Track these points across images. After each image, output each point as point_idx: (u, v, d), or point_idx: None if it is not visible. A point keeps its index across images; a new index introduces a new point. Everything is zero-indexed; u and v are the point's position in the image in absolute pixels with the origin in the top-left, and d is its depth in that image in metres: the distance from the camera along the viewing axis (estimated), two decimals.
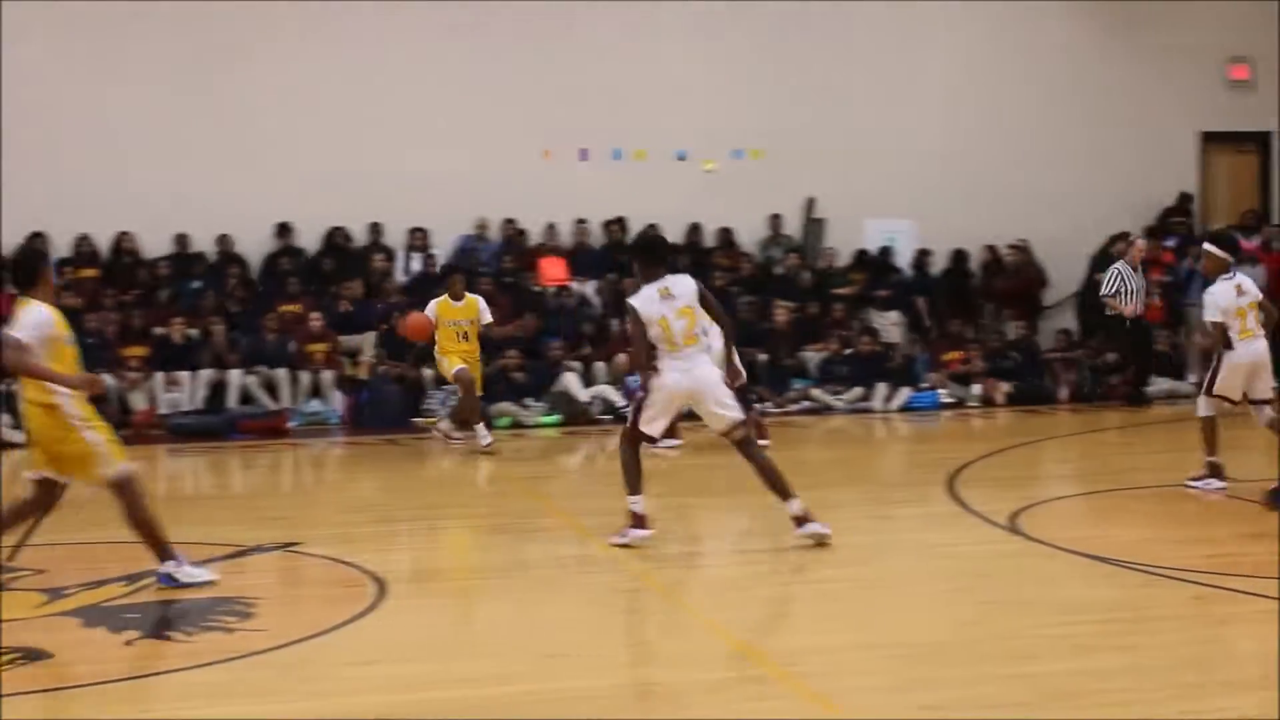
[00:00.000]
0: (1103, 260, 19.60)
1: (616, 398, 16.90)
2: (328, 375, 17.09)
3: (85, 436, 8.01)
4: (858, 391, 17.80)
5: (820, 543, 9.11)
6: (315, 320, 17.28)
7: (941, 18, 20.64)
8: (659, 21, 19.77)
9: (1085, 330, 19.40)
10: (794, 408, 17.53)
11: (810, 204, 20.24)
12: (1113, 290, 17.46)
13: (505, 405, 16.58)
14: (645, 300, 9.25)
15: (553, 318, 18.23)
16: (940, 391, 17.99)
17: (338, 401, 16.93)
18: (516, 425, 16.43)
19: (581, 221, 19.63)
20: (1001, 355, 18.66)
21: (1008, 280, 19.89)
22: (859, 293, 19.48)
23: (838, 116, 20.13)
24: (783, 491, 9.22)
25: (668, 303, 9.20)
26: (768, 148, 19.94)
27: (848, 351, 18.31)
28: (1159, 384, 18.43)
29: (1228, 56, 21.46)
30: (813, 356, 18.21)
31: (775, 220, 20.14)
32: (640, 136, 19.74)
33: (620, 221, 19.55)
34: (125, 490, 8.17)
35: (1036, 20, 20.91)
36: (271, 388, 16.97)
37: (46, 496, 8.26)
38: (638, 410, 9.43)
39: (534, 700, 6.22)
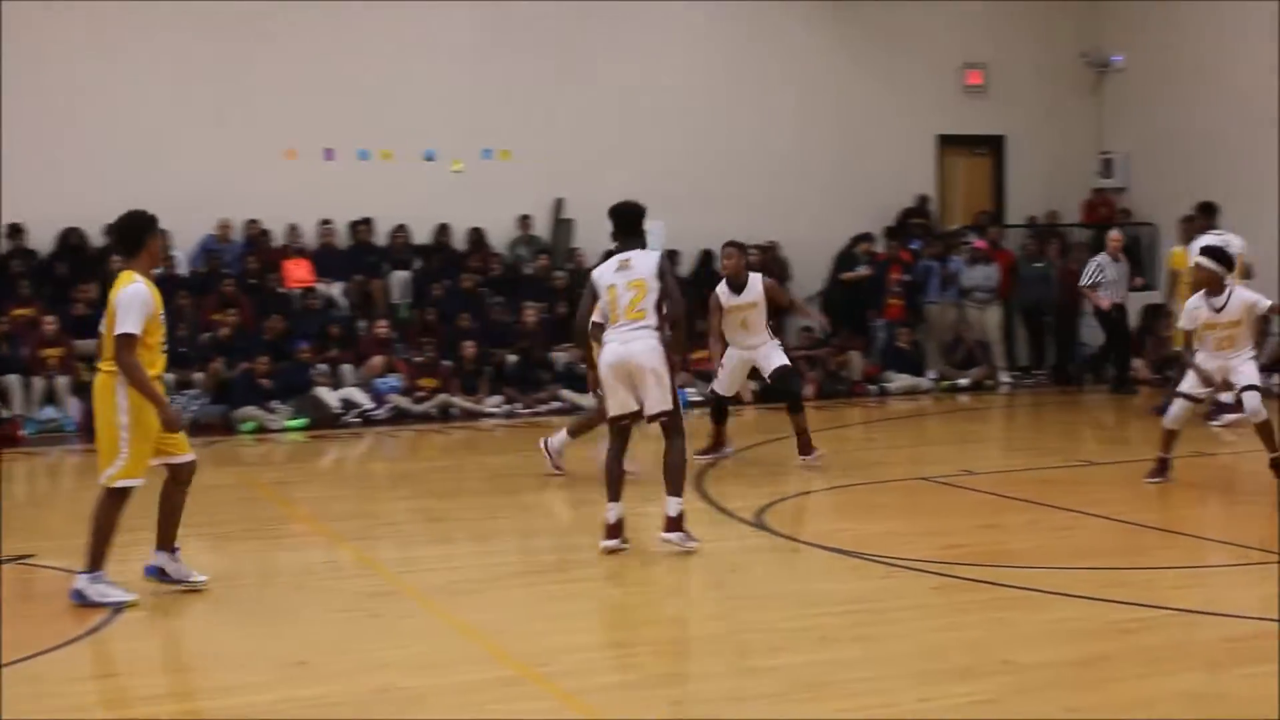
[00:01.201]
0: (847, 261, 20.18)
1: (365, 401, 16.72)
2: (63, 381, 16.50)
3: (121, 434, 7.86)
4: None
5: (686, 551, 9.06)
6: (49, 324, 16.69)
7: (689, 22, 20.94)
8: (406, 21, 19.57)
9: (832, 328, 19.84)
10: (543, 408, 17.54)
11: (558, 205, 20.29)
12: (1092, 281, 17.96)
13: (250, 410, 16.25)
14: (603, 269, 9.33)
15: (299, 320, 17.93)
16: (689, 390, 18.22)
17: (73, 408, 16.35)
18: (261, 430, 16.11)
19: (326, 222, 19.33)
20: None
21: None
22: None
23: (586, 117, 20.25)
24: (673, 489, 9.10)
25: (623, 273, 9.16)
26: (516, 148, 19.93)
27: None
28: (899, 379, 19.00)
29: (963, 63, 22.27)
30: (562, 357, 18.26)
31: (524, 221, 20.14)
32: (387, 137, 19.53)
33: (367, 222, 19.32)
34: (112, 500, 7.98)
35: (782, 26, 21.37)
36: (3, 395, 16.32)
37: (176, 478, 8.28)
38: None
39: (273, 709, 6.10)
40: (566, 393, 17.72)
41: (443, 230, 19.63)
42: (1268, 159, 19.74)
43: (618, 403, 9.19)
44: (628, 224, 9.45)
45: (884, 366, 19.35)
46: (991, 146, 22.88)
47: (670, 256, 19.84)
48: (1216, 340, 11.09)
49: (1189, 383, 11.30)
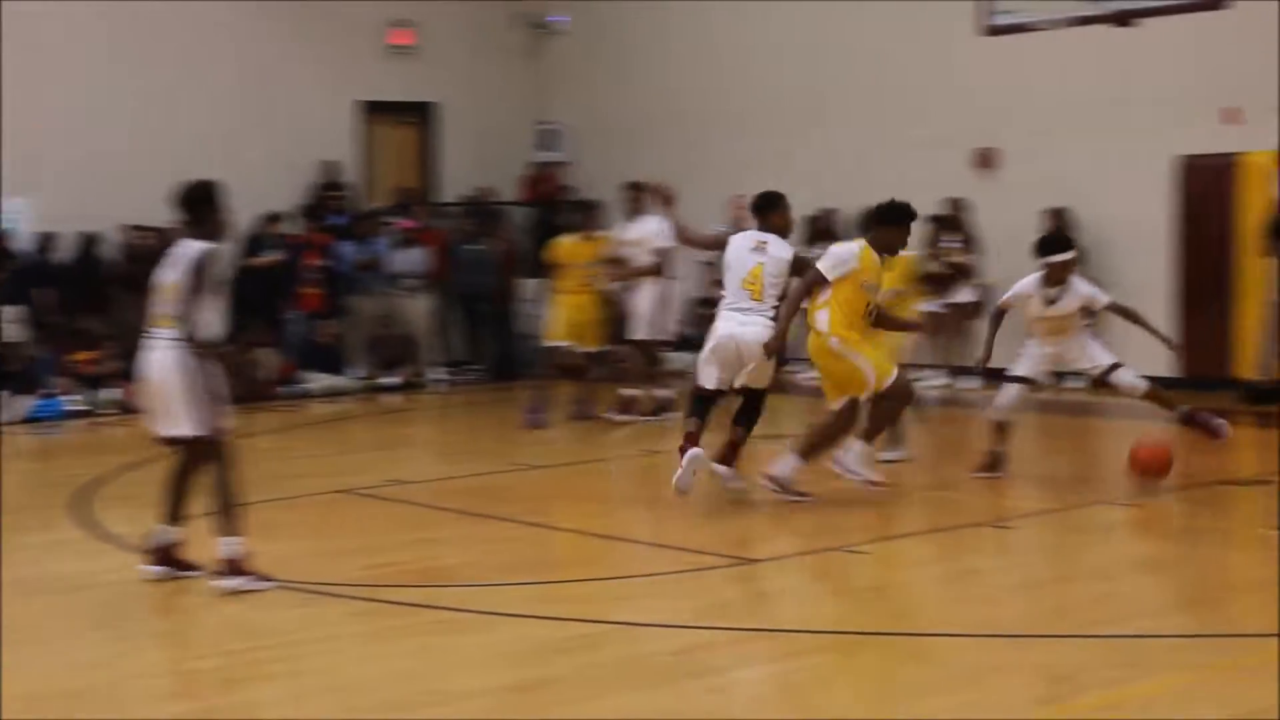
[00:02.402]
0: (254, 245, 19.82)
1: None
2: None
3: None
4: None
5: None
6: None
7: None
8: None
9: (238, 324, 19.47)
10: None
11: None
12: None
13: None
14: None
15: None
16: (67, 398, 17.57)
17: None
18: None
19: None
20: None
21: (143, 268, 19.51)
22: None
23: None
24: None
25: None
26: None
27: None
28: (319, 379, 18.92)
29: (386, 20, 22.33)
30: None
31: None
32: None
33: None
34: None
35: None
36: None
37: None
38: None
39: None
40: None
41: None
42: (728, 129, 20.90)
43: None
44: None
45: (301, 365, 19.20)
46: (420, 115, 23.08)
47: (45, 240, 19.22)
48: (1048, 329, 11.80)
49: (1023, 367, 11.87)
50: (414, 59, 22.55)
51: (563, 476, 12.99)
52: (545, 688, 6.79)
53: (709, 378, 10.96)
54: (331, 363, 19.36)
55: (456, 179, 22.85)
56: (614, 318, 16.07)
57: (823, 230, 18.68)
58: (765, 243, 10.96)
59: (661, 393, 15.43)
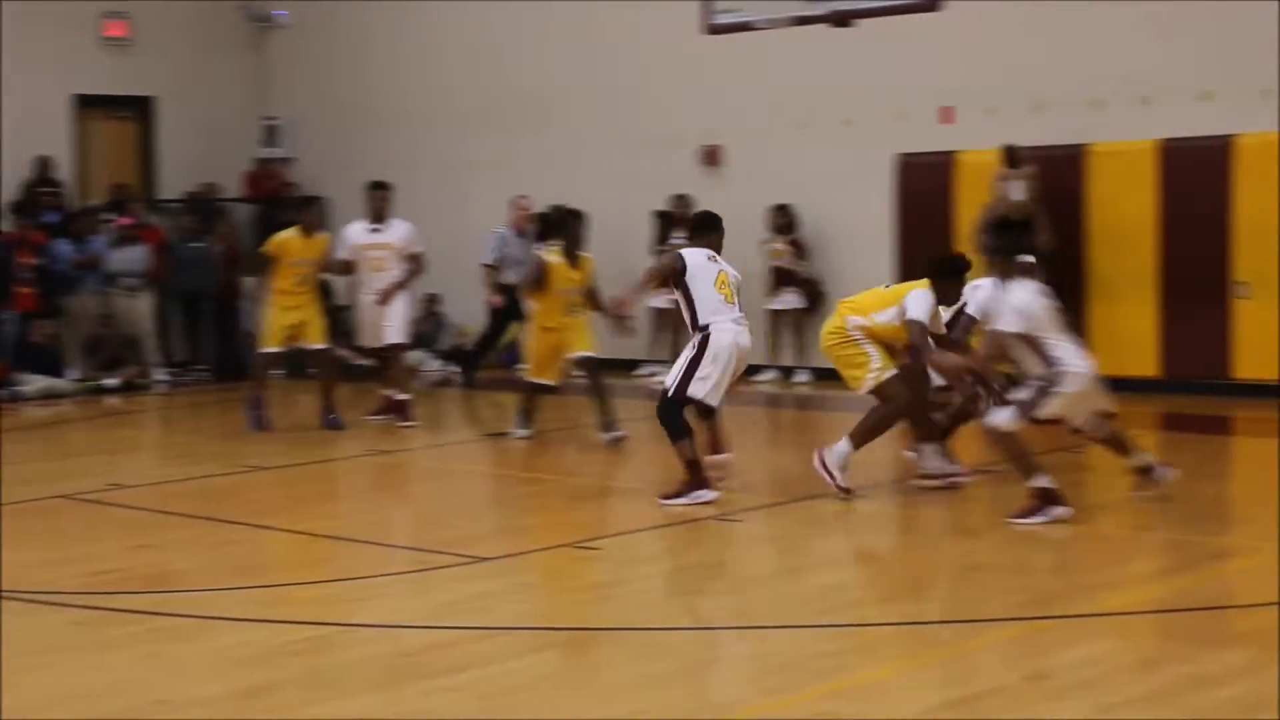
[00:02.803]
0: None
1: None
2: None
3: None
4: None
5: None
6: None
7: None
8: None
9: None
10: None
11: None
12: (496, 258, 17.78)
13: None
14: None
15: None
16: None
17: None
18: None
19: None
20: None
21: None
22: None
23: None
24: None
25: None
26: None
27: None
28: (35, 381, 18.38)
29: (103, 12, 21.81)
30: None
31: None
32: None
33: None
34: None
35: None
36: None
37: None
38: None
39: None
40: None
41: None
42: (454, 127, 20.90)
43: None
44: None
45: (15, 367, 18.64)
46: (138, 109, 22.60)
47: None
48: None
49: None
50: (131, 52, 22.11)
51: (289, 478, 12.85)
52: (273, 692, 6.72)
53: (715, 395, 10.84)
54: (48, 364, 18.82)
55: (177, 175, 22.42)
56: (334, 317, 15.99)
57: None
58: (713, 255, 11.15)
59: (401, 396, 15.24)
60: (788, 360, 17.99)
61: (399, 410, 14.98)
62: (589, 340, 13.75)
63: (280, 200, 22.20)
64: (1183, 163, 15.45)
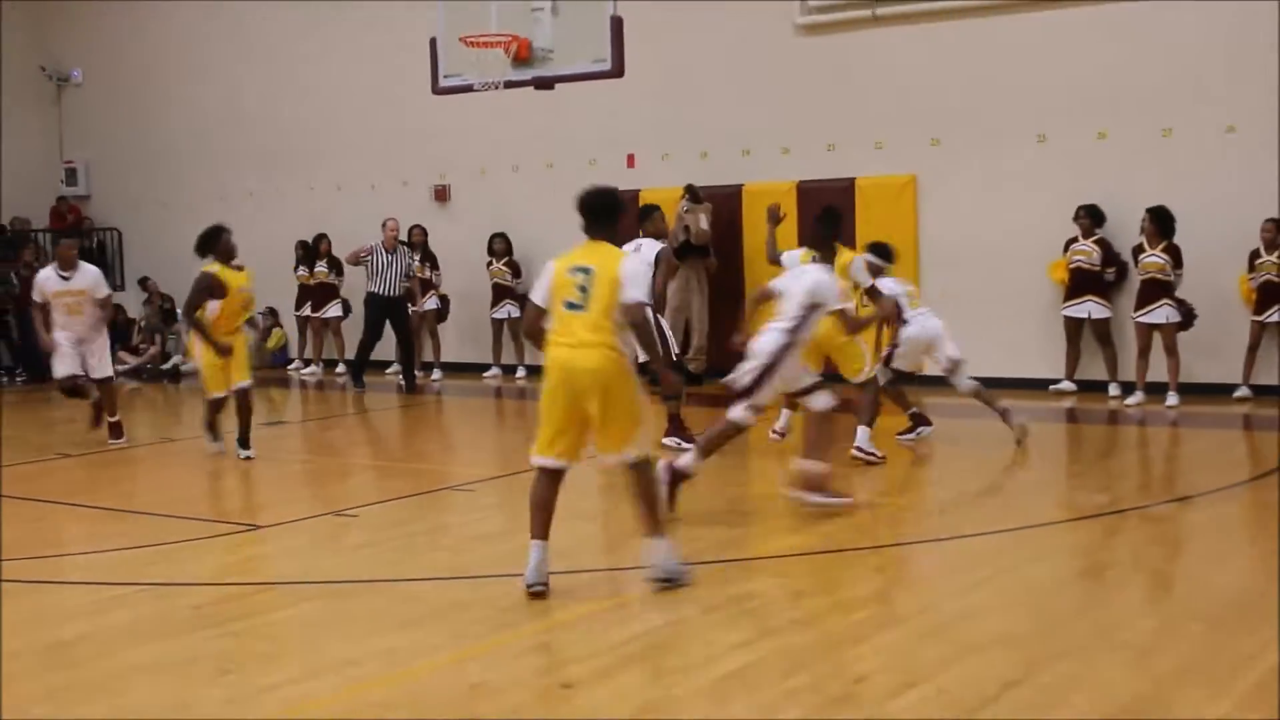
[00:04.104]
0: None
1: None
2: None
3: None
4: None
5: None
6: None
7: None
8: None
9: None
10: None
11: None
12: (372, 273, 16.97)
13: None
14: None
15: None
16: None
17: None
18: None
19: None
20: None
21: None
22: None
23: None
24: None
25: None
26: None
27: None
28: None
29: None
30: None
31: None
32: None
33: None
34: None
35: None
36: None
37: None
38: None
39: None
40: None
41: None
42: (228, 167, 20.39)
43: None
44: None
45: None
46: None
47: None
48: None
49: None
50: None
51: (78, 464, 12.29)
52: (80, 643, 6.44)
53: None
54: None
55: None
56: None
57: (320, 252, 18.67)
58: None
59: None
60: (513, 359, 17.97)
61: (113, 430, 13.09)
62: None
63: (79, 231, 21.40)
64: (815, 199, 15.73)
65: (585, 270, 6.93)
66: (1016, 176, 14.99)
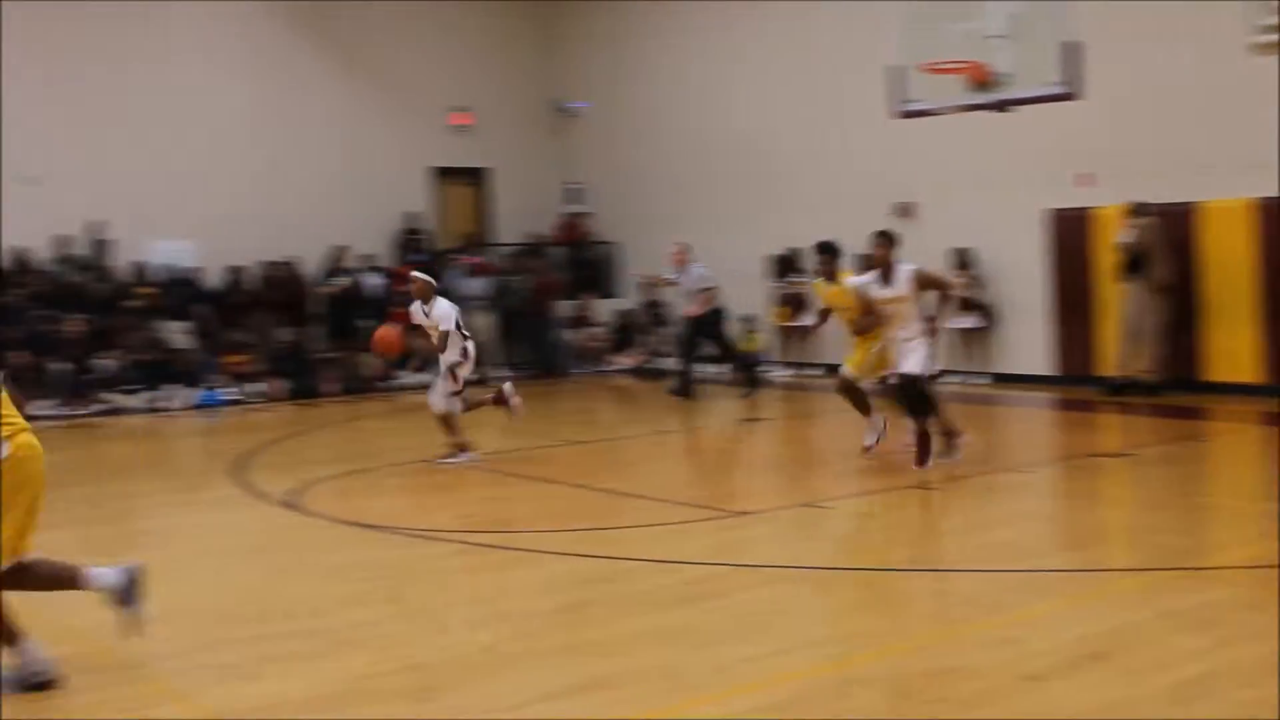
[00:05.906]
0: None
1: None
2: None
3: None
4: (152, 393, 17.27)
5: None
6: None
7: (223, 65, 20.36)
8: None
9: (339, 332, 19.41)
10: (91, 409, 16.62)
11: (97, 226, 19.08)
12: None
13: None
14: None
15: None
16: (225, 390, 17.69)
17: None
18: None
19: None
20: (282, 356, 18.58)
21: (277, 292, 19.67)
22: (150, 305, 18.61)
23: (119, 144, 19.33)
24: None
25: None
26: (53, 172, 18.64)
27: (141, 357, 17.63)
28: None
29: (450, 106, 22.46)
30: (108, 364, 17.33)
31: (64, 240, 18.83)
32: None
33: None
34: None
35: (299, 71, 21.04)
36: None
37: None
38: None
39: None
40: (112, 395, 16.93)
41: None
42: (711, 187, 20.96)
43: None
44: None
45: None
46: (477, 177, 23.15)
47: (201, 271, 19.30)
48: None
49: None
50: (471, 135, 22.67)
51: (594, 449, 12.92)
52: (586, 608, 6.83)
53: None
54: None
55: (506, 226, 23.00)
56: None
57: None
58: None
59: None
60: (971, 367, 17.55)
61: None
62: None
63: (582, 244, 22.58)
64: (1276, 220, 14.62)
65: None
66: None
